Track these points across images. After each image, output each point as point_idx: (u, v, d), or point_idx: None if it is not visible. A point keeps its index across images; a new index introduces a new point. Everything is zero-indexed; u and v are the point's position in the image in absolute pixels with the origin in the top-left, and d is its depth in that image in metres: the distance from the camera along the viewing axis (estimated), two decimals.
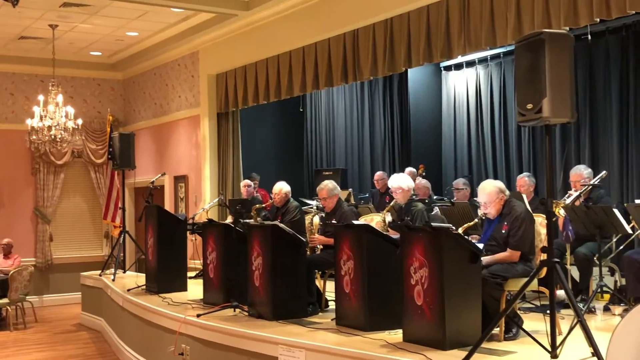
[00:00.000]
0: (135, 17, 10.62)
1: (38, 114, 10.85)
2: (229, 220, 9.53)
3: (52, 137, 10.89)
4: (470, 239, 5.35)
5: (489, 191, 5.49)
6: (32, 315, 11.36)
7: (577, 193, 6.63)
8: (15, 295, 10.73)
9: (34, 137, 10.98)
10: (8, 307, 10.82)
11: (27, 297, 11.25)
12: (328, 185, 6.97)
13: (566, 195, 6.78)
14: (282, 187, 7.43)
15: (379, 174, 10.06)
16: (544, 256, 4.94)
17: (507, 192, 5.57)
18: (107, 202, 13.40)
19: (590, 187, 6.73)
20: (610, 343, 3.33)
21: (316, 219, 7.46)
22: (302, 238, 6.61)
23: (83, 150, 13.67)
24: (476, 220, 5.66)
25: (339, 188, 7.08)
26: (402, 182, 6.62)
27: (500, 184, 5.57)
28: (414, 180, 9.39)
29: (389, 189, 9.59)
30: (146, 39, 12.07)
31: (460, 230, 5.10)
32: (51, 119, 10.84)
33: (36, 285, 12.58)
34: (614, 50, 9.12)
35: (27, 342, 9.93)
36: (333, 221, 6.69)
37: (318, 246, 7.14)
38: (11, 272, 10.72)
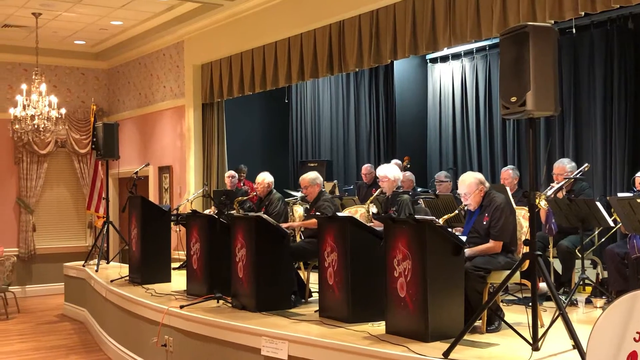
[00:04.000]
0: (119, 6, 10.53)
1: (21, 103, 10.75)
2: (209, 211, 9.52)
3: (36, 126, 10.79)
4: (453, 231, 5.37)
5: (469, 182, 5.51)
6: (14, 306, 11.28)
7: (559, 185, 6.66)
8: None
9: (17, 126, 10.87)
10: None
11: (10, 288, 11.17)
12: (310, 175, 7.02)
13: (548, 187, 6.81)
14: (264, 178, 7.44)
15: (366, 166, 10.09)
16: (526, 249, 4.96)
17: (487, 184, 5.59)
18: (91, 193, 13.32)
19: (573, 179, 6.77)
20: (591, 336, 3.35)
21: (300, 210, 7.46)
22: (285, 230, 6.62)
23: (67, 140, 13.57)
24: (456, 211, 5.68)
25: (321, 179, 7.10)
26: (388, 171, 6.65)
27: (480, 176, 5.58)
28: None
29: (375, 181, 9.65)
30: (131, 28, 11.98)
31: (440, 221, 5.10)
32: (34, 108, 10.73)
33: (19, 275, 12.51)
34: (598, 44, 9.15)
35: (9, 332, 9.87)
36: (317, 212, 6.69)
37: (301, 235, 7.15)
38: None
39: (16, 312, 11.22)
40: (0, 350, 8.80)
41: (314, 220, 6.53)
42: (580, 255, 6.30)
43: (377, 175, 6.84)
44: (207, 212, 9.36)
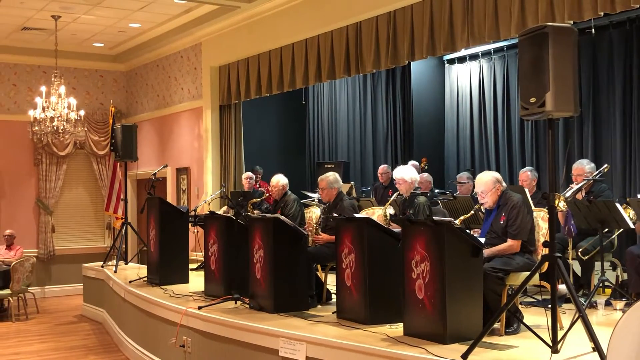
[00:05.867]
0: (137, 8, 10.60)
1: (40, 105, 10.84)
2: (222, 210, 9.56)
3: (55, 128, 10.88)
4: (471, 233, 5.35)
5: (486, 180, 5.50)
6: (34, 307, 11.39)
7: (578, 186, 6.62)
8: (17, 287, 10.74)
9: (37, 128, 10.97)
10: (10, 298, 10.83)
11: (29, 288, 11.27)
12: (329, 177, 6.96)
13: (567, 189, 6.77)
14: (279, 180, 7.44)
15: (382, 167, 10.05)
16: (545, 250, 4.93)
17: (504, 184, 5.57)
18: (110, 194, 13.40)
19: (592, 180, 6.72)
20: (611, 338, 3.32)
21: (317, 212, 7.45)
22: (303, 231, 6.61)
23: (85, 141, 13.67)
24: (472, 212, 5.66)
25: (340, 182, 7.06)
26: (405, 173, 6.62)
27: (497, 175, 5.57)
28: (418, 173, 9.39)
29: (392, 182, 9.62)
30: (149, 30, 12.05)
31: (457, 222, 5.09)
32: (54, 110, 10.82)
33: (38, 276, 12.62)
34: (617, 45, 9.09)
35: (29, 333, 9.96)
36: (334, 215, 6.66)
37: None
38: (13, 263, 10.74)
39: (35, 312, 11.32)
40: (20, 350, 8.88)
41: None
42: (599, 257, 6.24)
43: (394, 177, 6.81)
44: (220, 211, 9.40)
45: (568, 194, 6.53)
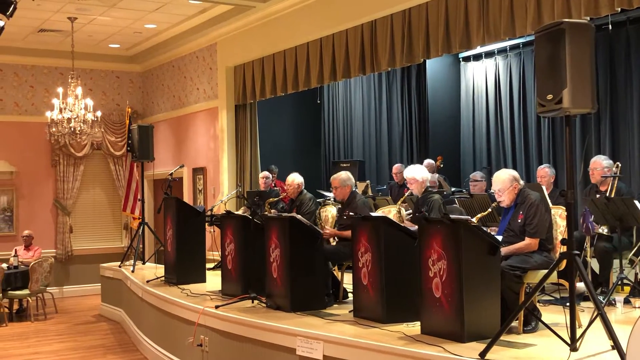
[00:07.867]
0: (153, 9, 10.65)
1: (57, 106, 10.91)
2: (241, 210, 9.57)
3: (72, 129, 10.95)
4: (488, 231, 5.32)
5: (503, 178, 5.47)
6: (52, 306, 11.47)
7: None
8: (36, 287, 10.82)
9: (54, 129, 11.04)
10: (29, 298, 10.92)
11: (48, 288, 11.35)
12: (341, 175, 6.95)
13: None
14: (294, 179, 7.45)
15: (397, 166, 10.03)
16: (563, 248, 4.90)
17: (522, 182, 5.54)
18: (127, 194, 13.48)
19: (617, 177, 6.69)
20: (630, 336, 3.30)
21: (333, 211, 7.45)
22: (319, 230, 6.61)
23: (102, 142, 13.75)
24: (489, 209, 5.63)
25: (353, 180, 7.05)
26: (416, 173, 6.57)
27: (514, 173, 5.54)
28: (432, 172, 9.38)
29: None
30: (164, 31, 12.10)
31: (474, 220, 5.06)
32: (70, 111, 10.90)
33: (56, 276, 12.71)
34: (634, 40, 9.02)
35: (47, 332, 10.03)
36: (350, 213, 6.66)
37: (335, 238, 7.12)
38: (32, 263, 10.82)
39: (54, 312, 11.40)
40: (39, 350, 8.95)
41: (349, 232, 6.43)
42: (618, 255, 6.20)
43: (405, 177, 6.76)
44: (239, 212, 9.41)
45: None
